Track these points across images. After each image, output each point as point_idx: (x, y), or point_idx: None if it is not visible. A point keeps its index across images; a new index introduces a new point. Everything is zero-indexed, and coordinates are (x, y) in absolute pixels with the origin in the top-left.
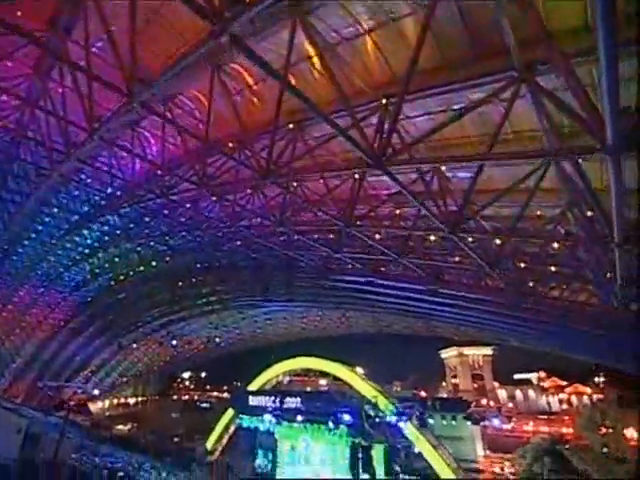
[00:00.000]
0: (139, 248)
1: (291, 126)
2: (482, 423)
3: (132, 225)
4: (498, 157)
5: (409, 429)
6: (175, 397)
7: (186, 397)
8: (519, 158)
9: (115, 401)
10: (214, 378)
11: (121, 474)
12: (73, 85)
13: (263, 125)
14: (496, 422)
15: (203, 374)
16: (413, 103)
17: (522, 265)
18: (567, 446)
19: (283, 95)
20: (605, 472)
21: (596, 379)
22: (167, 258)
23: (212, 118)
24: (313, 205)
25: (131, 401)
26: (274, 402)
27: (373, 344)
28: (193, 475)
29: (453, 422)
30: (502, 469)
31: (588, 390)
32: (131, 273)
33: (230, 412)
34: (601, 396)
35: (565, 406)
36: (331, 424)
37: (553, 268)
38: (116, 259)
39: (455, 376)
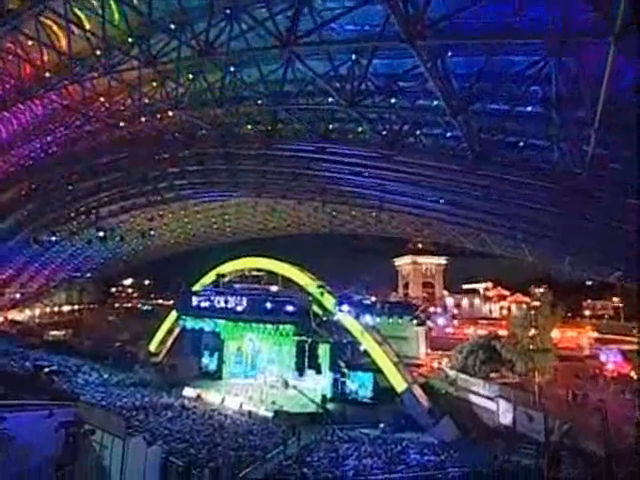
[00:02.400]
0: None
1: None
2: (427, 325)
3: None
4: None
5: (354, 327)
6: (117, 305)
7: (129, 305)
8: None
9: (47, 309)
10: (158, 285)
11: (46, 370)
12: None
13: None
14: (440, 321)
15: (147, 282)
16: None
17: (483, 133)
18: (500, 342)
19: None
20: (527, 359)
21: (536, 290)
22: (85, 135)
23: None
24: None
25: (65, 309)
26: (218, 302)
27: (326, 250)
28: (137, 376)
29: (399, 320)
30: (440, 363)
31: (527, 299)
32: (42, 155)
33: (174, 314)
34: (538, 304)
35: (505, 312)
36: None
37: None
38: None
39: (407, 284)
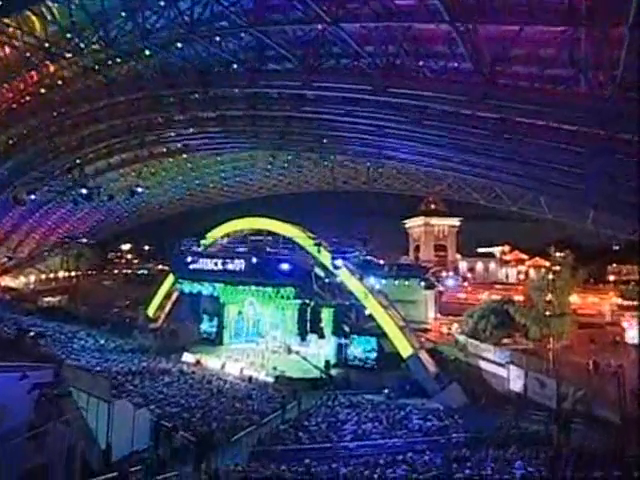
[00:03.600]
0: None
1: None
2: (436, 288)
3: None
4: None
5: (358, 289)
6: (115, 271)
7: (128, 271)
8: None
9: (43, 276)
10: (158, 250)
11: (31, 334)
12: None
13: None
14: (450, 282)
15: (146, 247)
16: None
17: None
18: (514, 306)
19: None
20: (542, 325)
21: (557, 254)
22: (59, 82)
23: None
24: None
25: (61, 275)
26: (216, 264)
27: (329, 210)
28: (135, 342)
29: (407, 283)
30: (449, 328)
31: (547, 263)
32: (14, 106)
33: (171, 278)
34: (557, 268)
35: (522, 277)
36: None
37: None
38: None
39: (418, 247)
